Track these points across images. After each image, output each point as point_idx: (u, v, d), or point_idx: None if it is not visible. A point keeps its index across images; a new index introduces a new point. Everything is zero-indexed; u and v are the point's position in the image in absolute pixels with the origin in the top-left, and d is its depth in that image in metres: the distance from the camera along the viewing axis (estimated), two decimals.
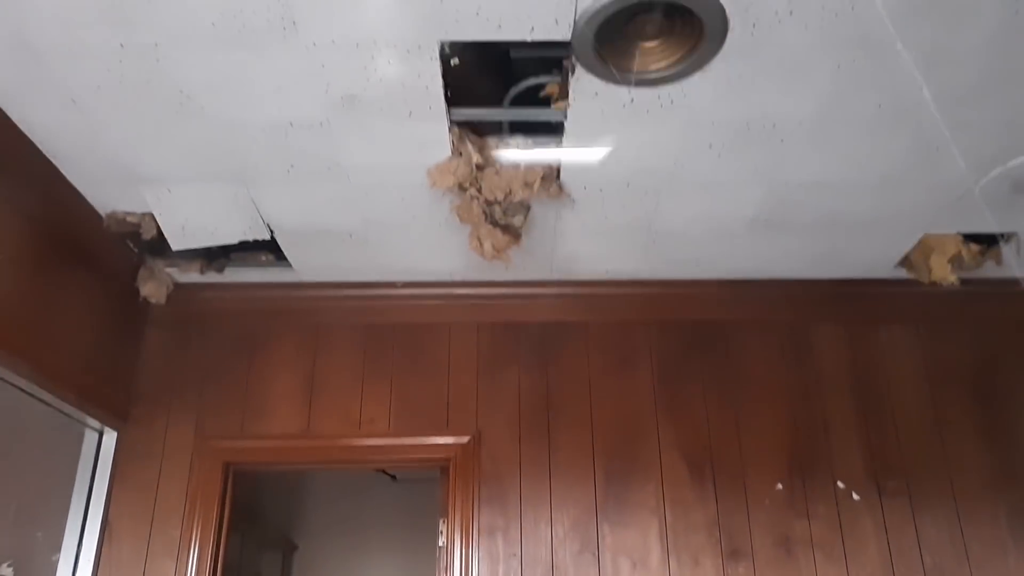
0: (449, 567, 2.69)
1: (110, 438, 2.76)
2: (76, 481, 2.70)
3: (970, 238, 2.71)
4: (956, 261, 2.72)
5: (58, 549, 2.63)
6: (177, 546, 2.66)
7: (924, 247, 2.75)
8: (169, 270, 2.88)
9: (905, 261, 2.86)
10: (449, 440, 2.82)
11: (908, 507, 2.76)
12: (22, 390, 2.36)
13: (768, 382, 2.93)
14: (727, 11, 1.69)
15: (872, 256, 2.85)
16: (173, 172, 2.29)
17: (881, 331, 3.01)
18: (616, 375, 2.93)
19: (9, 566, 2.56)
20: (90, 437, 2.75)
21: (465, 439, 2.81)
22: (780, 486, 2.78)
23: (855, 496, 2.77)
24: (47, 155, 2.21)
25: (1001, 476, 2.81)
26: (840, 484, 2.79)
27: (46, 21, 1.71)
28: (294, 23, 1.71)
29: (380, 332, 2.97)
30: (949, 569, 2.69)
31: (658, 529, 2.72)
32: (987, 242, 2.73)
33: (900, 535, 2.73)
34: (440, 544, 2.80)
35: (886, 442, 2.85)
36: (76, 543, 2.64)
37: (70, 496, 2.68)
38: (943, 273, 2.75)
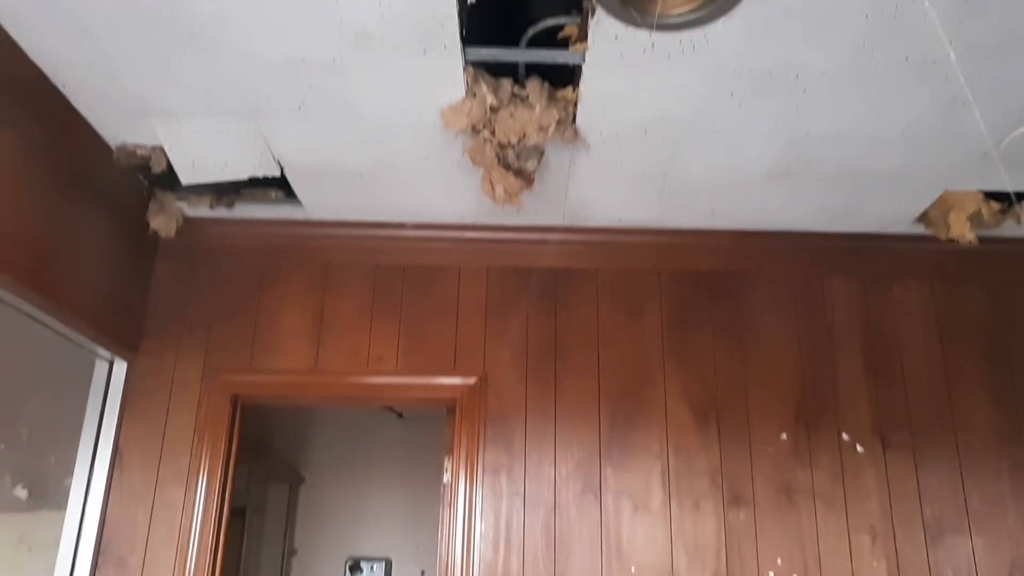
0: (453, 503, 2.74)
1: (120, 368, 2.79)
2: (87, 409, 2.74)
3: (991, 196, 2.66)
4: (975, 219, 2.68)
5: (70, 474, 2.68)
6: (186, 475, 2.71)
7: (943, 203, 2.70)
8: (179, 204, 2.86)
9: (923, 217, 2.82)
10: (456, 381, 2.84)
11: (911, 460, 2.78)
12: (34, 319, 2.37)
13: (778, 334, 2.92)
14: None
15: (890, 211, 2.81)
16: (184, 106, 2.26)
17: (895, 287, 2.99)
18: (624, 322, 2.92)
19: (24, 488, 2.62)
20: (100, 367, 2.78)
21: (472, 380, 2.83)
22: (784, 436, 2.80)
23: (859, 448, 2.79)
24: (57, 85, 2.18)
25: (1007, 433, 2.82)
26: (845, 436, 2.80)
27: None
28: None
29: (389, 272, 2.97)
30: (948, 521, 2.72)
31: (661, 473, 2.75)
32: (1008, 200, 2.69)
33: (901, 487, 2.75)
34: (445, 481, 2.85)
35: (893, 397, 2.85)
36: (88, 469, 2.69)
37: (81, 424, 2.73)
38: (961, 230, 2.71)
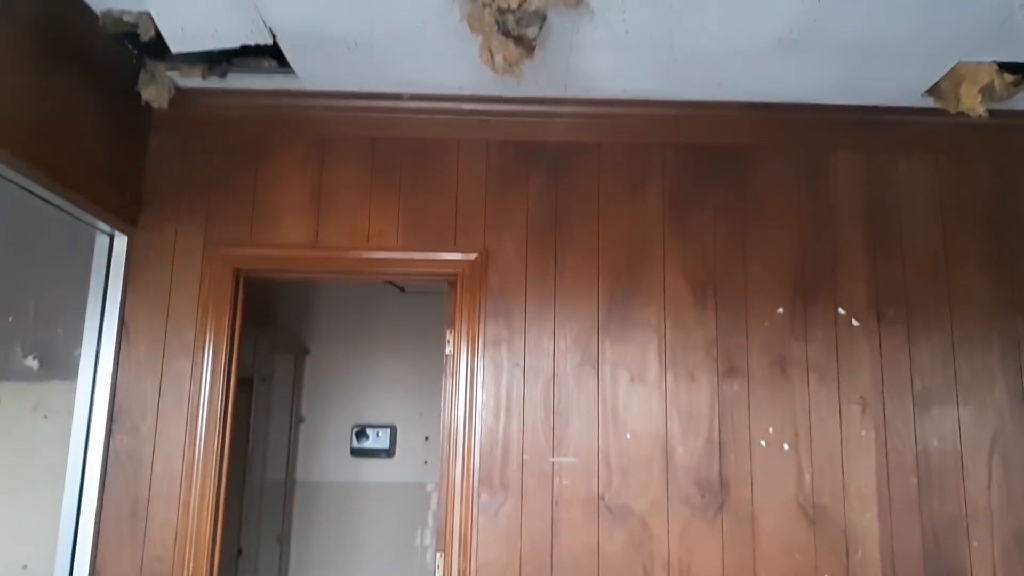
0: (455, 374, 2.81)
1: (121, 242, 2.79)
2: (91, 283, 2.76)
3: (1005, 68, 2.58)
4: (987, 91, 2.61)
5: (79, 345, 2.73)
6: (192, 347, 2.76)
7: (956, 75, 2.62)
8: (170, 74, 2.78)
9: (934, 90, 2.74)
10: (457, 256, 2.85)
11: (905, 334, 2.83)
12: (32, 193, 2.35)
13: (780, 208, 2.91)
14: None
15: (900, 83, 2.73)
16: None
17: (900, 161, 2.95)
18: (626, 198, 2.90)
19: (35, 358, 2.68)
20: (101, 241, 2.78)
21: (473, 256, 2.84)
22: (781, 310, 2.83)
23: (854, 322, 2.83)
24: None
25: (1001, 308, 2.86)
26: (841, 310, 2.84)
27: None
28: None
29: (387, 145, 2.92)
30: (937, 393, 2.79)
31: (657, 346, 2.81)
32: (1022, 72, 2.60)
33: (894, 360, 2.81)
34: (447, 352, 2.91)
35: (891, 272, 2.87)
36: (95, 341, 2.74)
37: (86, 297, 2.76)
38: (972, 103, 2.64)
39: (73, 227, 2.67)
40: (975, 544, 2.69)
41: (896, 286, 2.86)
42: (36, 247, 2.60)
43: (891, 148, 2.95)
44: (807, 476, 2.72)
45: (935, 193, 2.93)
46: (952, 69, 2.60)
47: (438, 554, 2.73)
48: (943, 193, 2.93)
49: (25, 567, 2.59)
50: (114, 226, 2.73)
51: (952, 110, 2.73)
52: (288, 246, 2.86)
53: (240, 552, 4.51)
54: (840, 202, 2.92)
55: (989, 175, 2.95)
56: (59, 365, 2.76)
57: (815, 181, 2.93)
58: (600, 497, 2.70)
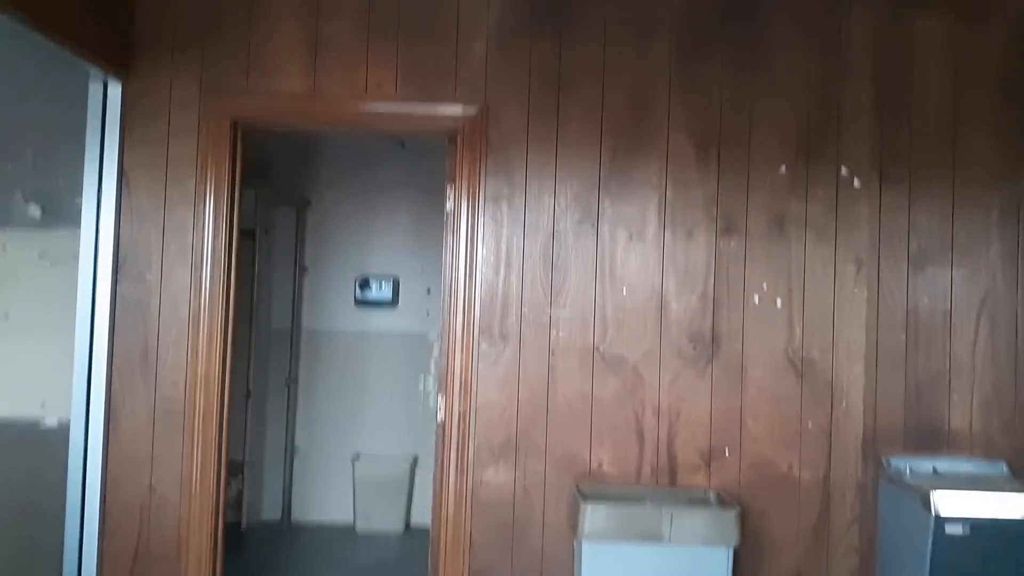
0: (456, 229, 2.83)
1: (115, 90, 2.74)
2: (87, 132, 2.73)
3: None
4: None
5: (80, 194, 2.74)
6: (193, 198, 2.77)
7: None
8: None
9: None
10: (457, 110, 2.80)
11: (906, 195, 2.83)
12: (18, 35, 2.28)
13: (789, 63, 2.83)
14: None
15: None
16: None
17: (916, 17, 2.84)
18: (632, 51, 2.82)
19: (37, 206, 2.70)
20: (95, 89, 2.73)
21: (473, 110, 2.79)
22: (784, 169, 2.81)
23: (856, 182, 2.82)
24: None
25: (1005, 170, 2.84)
26: (844, 170, 2.82)
27: None
28: None
29: None
30: (932, 254, 2.82)
31: (657, 204, 2.81)
32: None
33: (892, 221, 2.82)
34: (448, 209, 2.92)
35: (898, 132, 2.83)
36: (96, 190, 2.75)
37: (84, 146, 2.74)
38: None
39: (65, 73, 2.61)
40: (955, 397, 2.80)
41: (901, 146, 2.82)
42: (29, 94, 2.56)
43: (906, 4, 2.84)
44: (798, 331, 2.79)
45: (949, 51, 2.84)
46: None
47: (440, 397, 2.85)
48: (957, 52, 2.84)
49: (43, 405, 2.72)
50: (106, 71, 2.67)
51: None
52: (285, 96, 2.81)
53: (249, 394, 4.71)
54: (851, 59, 2.83)
55: (1005, 35, 2.85)
56: (61, 214, 2.78)
57: (827, 35, 2.83)
58: (595, 348, 2.78)
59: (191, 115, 2.78)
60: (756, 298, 2.79)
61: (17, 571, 2.65)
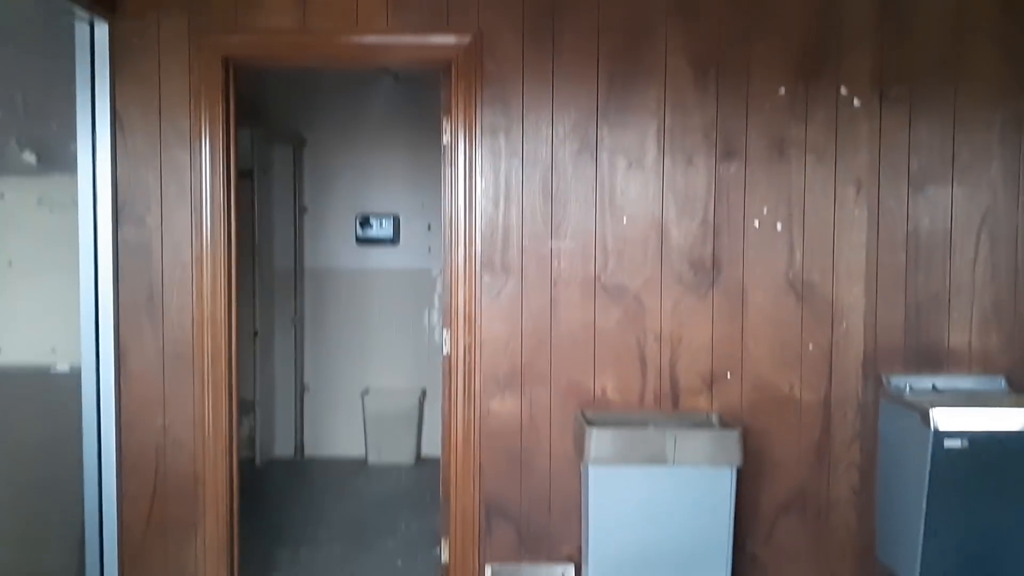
0: (453, 163, 2.82)
1: (102, 30, 2.70)
2: (77, 74, 2.70)
3: None
4: None
5: (74, 139, 2.72)
6: (188, 138, 2.75)
7: None
8: None
9: None
10: (450, 40, 2.75)
11: (906, 114, 2.80)
12: None
13: None
14: None
15: None
16: None
17: None
18: None
19: (32, 152, 2.68)
20: (81, 29, 2.68)
21: (467, 39, 2.75)
22: (783, 91, 2.78)
23: (856, 102, 2.79)
24: None
25: (1009, 86, 2.80)
26: (843, 90, 2.79)
27: None
28: None
29: None
30: (932, 173, 2.81)
31: (656, 131, 2.79)
32: None
33: (892, 140, 2.80)
34: (444, 142, 2.90)
35: (899, 49, 2.78)
36: (90, 133, 2.73)
37: (74, 89, 2.71)
38: None
39: (49, 14, 2.56)
40: (955, 315, 2.82)
41: (902, 63, 2.78)
42: (13, 37, 2.51)
43: None
44: (798, 254, 2.80)
45: None
46: None
47: (445, 330, 2.88)
48: None
49: (54, 350, 2.76)
50: (91, 11, 2.62)
51: None
52: (275, 32, 2.76)
53: (256, 333, 4.76)
54: None
55: None
56: (57, 159, 2.77)
57: None
58: (596, 277, 2.80)
59: (181, 54, 2.74)
60: (756, 222, 2.79)
61: (40, 514, 2.73)
